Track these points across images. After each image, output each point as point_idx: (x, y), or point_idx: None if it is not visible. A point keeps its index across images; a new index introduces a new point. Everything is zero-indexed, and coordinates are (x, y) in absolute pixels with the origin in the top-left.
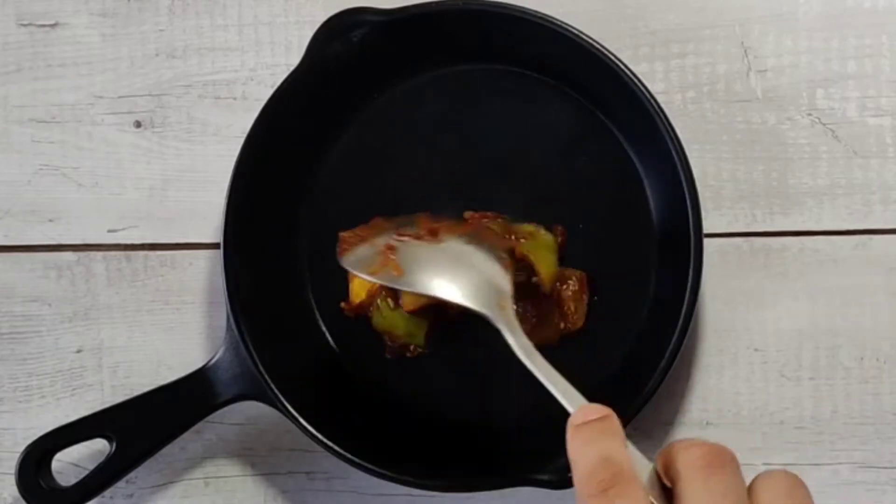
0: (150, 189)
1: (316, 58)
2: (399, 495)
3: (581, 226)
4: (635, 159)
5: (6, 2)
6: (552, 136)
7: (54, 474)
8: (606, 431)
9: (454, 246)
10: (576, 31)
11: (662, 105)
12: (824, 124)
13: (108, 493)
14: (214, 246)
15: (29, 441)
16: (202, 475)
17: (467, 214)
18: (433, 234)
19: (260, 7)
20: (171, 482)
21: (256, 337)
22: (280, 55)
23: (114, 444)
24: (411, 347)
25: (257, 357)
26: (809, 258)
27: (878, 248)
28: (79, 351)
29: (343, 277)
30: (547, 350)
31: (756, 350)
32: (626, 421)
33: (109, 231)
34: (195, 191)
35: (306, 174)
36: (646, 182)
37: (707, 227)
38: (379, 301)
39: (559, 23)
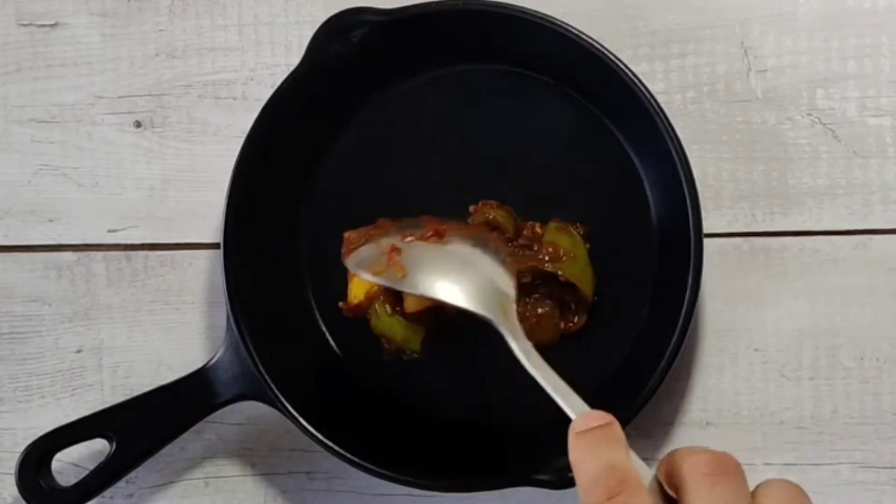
0: (150, 189)
1: (316, 58)
2: (399, 495)
3: (580, 226)
4: (635, 159)
5: (6, 2)
6: (552, 136)
7: (54, 474)
8: (609, 439)
9: (459, 248)
10: (576, 31)
11: (662, 105)
12: (824, 124)
13: (108, 493)
14: (214, 246)
15: (29, 441)
16: (202, 475)
17: (472, 208)
18: (439, 236)
19: (260, 7)
20: (171, 482)
21: (256, 337)
22: (280, 55)
23: (114, 444)
24: (407, 352)
25: (257, 357)
26: (809, 258)
27: (878, 248)
28: (79, 351)
29: (343, 277)
30: (547, 350)
31: (756, 350)
32: (625, 421)
33: (109, 231)
34: (195, 191)
35: (306, 174)
36: (646, 182)
37: (707, 227)
38: (377, 305)
39: (559, 23)
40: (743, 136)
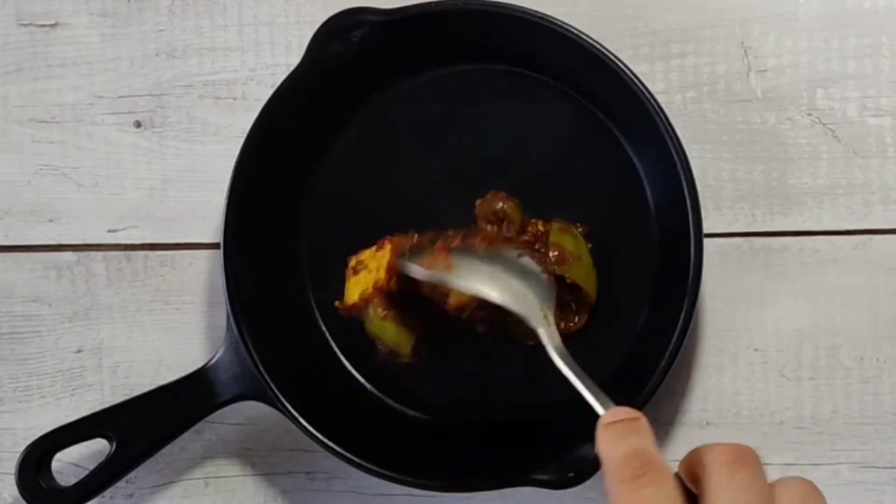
0: (150, 189)
1: (316, 58)
2: (399, 495)
3: (581, 225)
4: (635, 159)
5: (6, 2)
6: (552, 136)
7: (54, 474)
8: (638, 430)
9: (506, 254)
10: (576, 31)
11: (662, 105)
12: (824, 124)
13: (108, 493)
14: (214, 246)
15: (29, 441)
16: (202, 475)
17: (479, 201)
18: (488, 243)
19: (260, 7)
20: (171, 482)
21: (256, 337)
22: (280, 55)
23: (114, 444)
24: (399, 356)
25: (257, 357)
26: (809, 258)
27: (878, 248)
28: (79, 351)
29: (342, 277)
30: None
31: (756, 350)
32: None
33: (109, 231)
34: (195, 191)
35: (306, 174)
36: (646, 182)
37: (707, 227)
38: (370, 308)
39: (559, 23)
40: (743, 136)
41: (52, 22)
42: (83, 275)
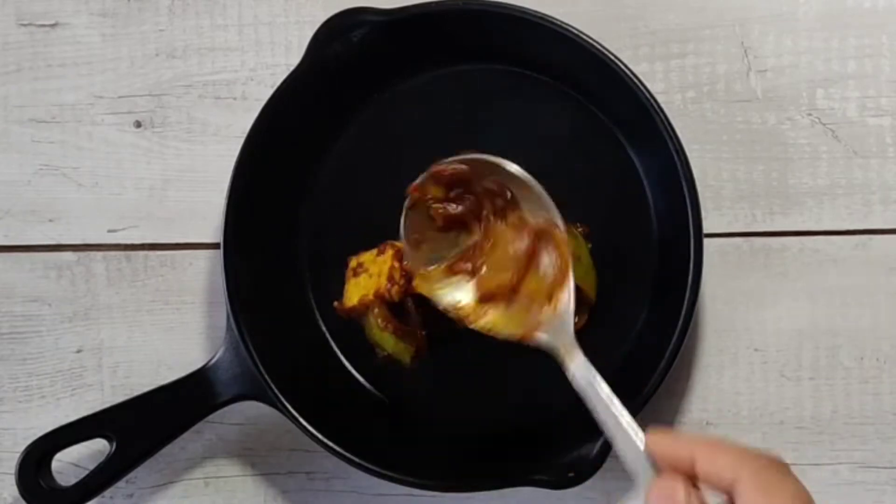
0: (150, 189)
1: (316, 58)
2: (399, 495)
3: (581, 225)
4: (635, 159)
5: (6, 2)
6: (552, 136)
7: (54, 474)
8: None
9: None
10: (576, 31)
11: (662, 105)
12: (824, 124)
13: (108, 493)
14: (214, 246)
15: (29, 441)
16: (202, 475)
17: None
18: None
19: (260, 7)
20: (171, 482)
21: (256, 337)
22: (280, 55)
23: (114, 444)
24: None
25: (257, 357)
26: (809, 258)
27: (878, 248)
28: (79, 351)
29: (342, 278)
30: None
31: (756, 350)
32: None
33: (109, 231)
34: (195, 191)
35: (306, 174)
36: (646, 182)
37: (707, 227)
38: (370, 317)
39: (559, 23)
40: (743, 136)
41: (52, 22)
42: (83, 275)
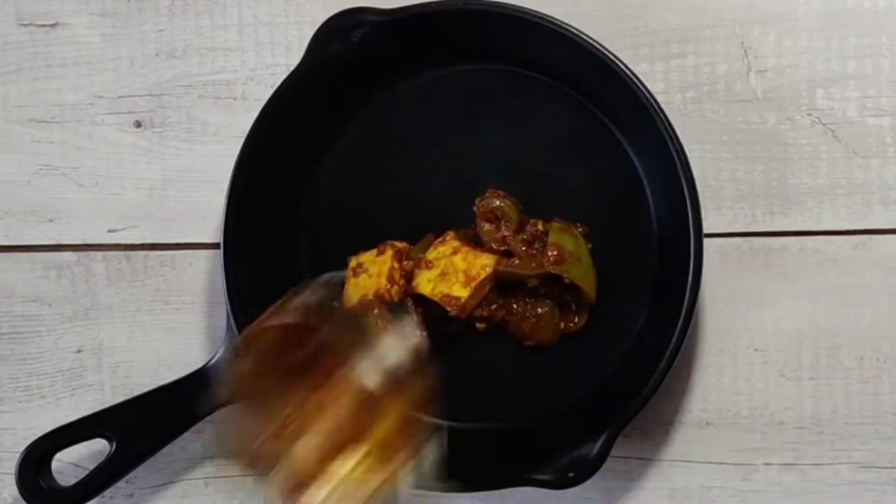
0: (150, 189)
1: (316, 58)
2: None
3: (581, 225)
4: (635, 159)
5: (6, 2)
6: (552, 136)
7: (54, 474)
8: None
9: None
10: (576, 31)
11: (662, 105)
12: (824, 124)
13: (108, 493)
14: (214, 246)
15: (29, 441)
16: (202, 475)
17: (478, 199)
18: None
19: (260, 7)
20: (171, 482)
21: None
22: (280, 55)
23: (114, 444)
24: None
25: None
26: (809, 258)
27: (878, 248)
28: (79, 351)
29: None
30: (547, 350)
31: (756, 350)
32: (626, 421)
33: (109, 231)
34: (195, 191)
35: (306, 174)
36: (646, 182)
37: (707, 227)
38: (370, 317)
39: (559, 23)
40: (743, 136)
41: (52, 22)
42: (83, 275)
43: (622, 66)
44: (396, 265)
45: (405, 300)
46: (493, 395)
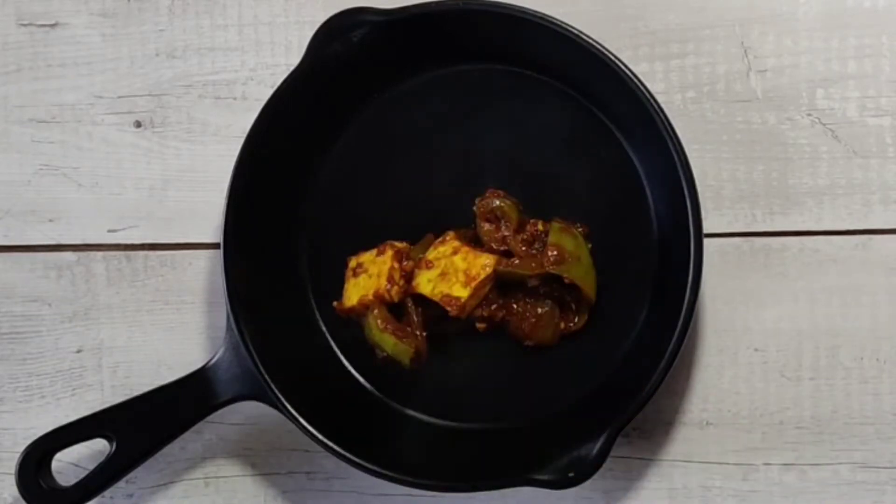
0: (150, 189)
1: (316, 58)
2: (399, 495)
3: (581, 225)
4: (635, 159)
5: (6, 2)
6: (552, 136)
7: (54, 474)
8: None
9: None
10: (576, 32)
11: (662, 105)
12: (824, 124)
13: (108, 493)
14: (214, 246)
15: (29, 441)
16: (202, 475)
17: (478, 199)
18: None
19: (260, 7)
20: (171, 482)
21: (256, 337)
22: (280, 55)
23: (114, 444)
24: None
25: (257, 357)
26: (809, 258)
27: (878, 248)
28: (79, 351)
29: (342, 277)
30: (547, 350)
31: (756, 350)
32: (626, 421)
33: (109, 231)
34: (195, 191)
35: (306, 174)
36: (646, 182)
37: (707, 227)
38: (370, 317)
39: (559, 23)
40: (743, 136)
41: (52, 22)
42: (83, 275)
43: (622, 66)
44: (396, 265)
45: (405, 300)
46: (493, 395)
